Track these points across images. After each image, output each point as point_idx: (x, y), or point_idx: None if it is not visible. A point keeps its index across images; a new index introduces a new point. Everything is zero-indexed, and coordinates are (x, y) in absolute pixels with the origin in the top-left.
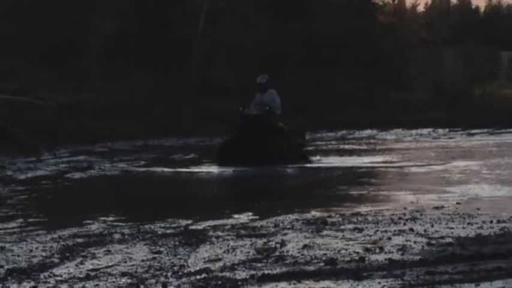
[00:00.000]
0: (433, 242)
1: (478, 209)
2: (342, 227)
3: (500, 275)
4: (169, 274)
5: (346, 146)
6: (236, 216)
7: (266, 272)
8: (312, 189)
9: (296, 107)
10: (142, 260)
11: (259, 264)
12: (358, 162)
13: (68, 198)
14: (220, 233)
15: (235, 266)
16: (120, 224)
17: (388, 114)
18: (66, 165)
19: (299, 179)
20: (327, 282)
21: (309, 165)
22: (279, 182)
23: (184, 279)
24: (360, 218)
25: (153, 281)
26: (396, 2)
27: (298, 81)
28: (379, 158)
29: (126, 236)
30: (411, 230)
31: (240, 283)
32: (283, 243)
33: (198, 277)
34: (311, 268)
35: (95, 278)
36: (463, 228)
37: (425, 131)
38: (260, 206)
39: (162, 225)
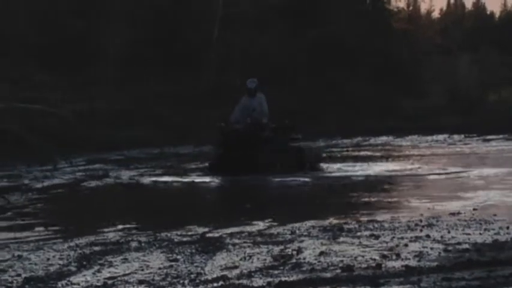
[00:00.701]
0: (450, 248)
1: (495, 214)
2: (359, 233)
3: None
4: (186, 282)
5: (362, 153)
6: (252, 223)
7: (283, 279)
8: (328, 197)
9: (311, 114)
10: (160, 268)
11: (276, 272)
12: (374, 169)
13: (85, 206)
14: (236, 241)
15: (252, 274)
16: (137, 232)
17: (403, 120)
18: (82, 173)
19: (314, 187)
20: None
21: (322, 174)
22: (294, 190)
23: (201, 287)
24: (376, 225)
25: None
26: (411, 8)
27: (313, 88)
28: (395, 165)
29: (143, 244)
30: (428, 236)
31: None
32: (299, 250)
33: (215, 285)
34: (328, 275)
35: (112, 286)
36: (480, 234)
37: (440, 137)
38: (276, 213)
39: (179, 233)
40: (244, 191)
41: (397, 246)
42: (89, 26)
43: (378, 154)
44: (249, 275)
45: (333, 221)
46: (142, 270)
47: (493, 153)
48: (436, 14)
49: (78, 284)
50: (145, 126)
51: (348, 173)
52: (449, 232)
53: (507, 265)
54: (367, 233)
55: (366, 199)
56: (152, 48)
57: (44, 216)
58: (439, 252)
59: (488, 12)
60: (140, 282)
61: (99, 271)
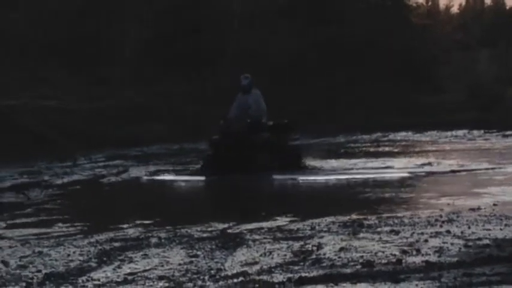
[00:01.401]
0: (470, 243)
1: None
2: (379, 229)
3: None
4: (206, 278)
5: (381, 149)
6: (272, 219)
7: (303, 274)
8: (347, 192)
9: (328, 111)
10: (180, 264)
11: (296, 267)
12: (393, 165)
13: (104, 202)
14: (256, 236)
15: (272, 269)
16: (157, 228)
17: (423, 116)
18: (102, 169)
19: (333, 183)
20: (364, 285)
21: (340, 170)
22: (313, 186)
23: (221, 283)
24: (396, 221)
25: (190, 284)
26: (430, 3)
27: (330, 85)
28: (414, 160)
29: (163, 240)
30: (448, 232)
31: (277, 286)
32: (319, 246)
33: (235, 280)
34: (348, 271)
35: (132, 282)
36: (500, 229)
37: (460, 132)
38: (296, 209)
39: (199, 228)
40: (263, 187)
41: (417, 241)
42: (108, 24)
43: (397, 150)
44: (269, 270)
45: (353, 216)
46: (162, 266)
47: None
48: (455, 10)
49: (99, 280)
50: (164, 123)
51: (367, 169)
52: (469, 228)
53: None
54: (387, 228)
55: (386, 195)
56: (170, 46)
57: (64, 212)
58: (460, 248)
59: (507, 8)
60: (160, 278)
61: (119, 267)
